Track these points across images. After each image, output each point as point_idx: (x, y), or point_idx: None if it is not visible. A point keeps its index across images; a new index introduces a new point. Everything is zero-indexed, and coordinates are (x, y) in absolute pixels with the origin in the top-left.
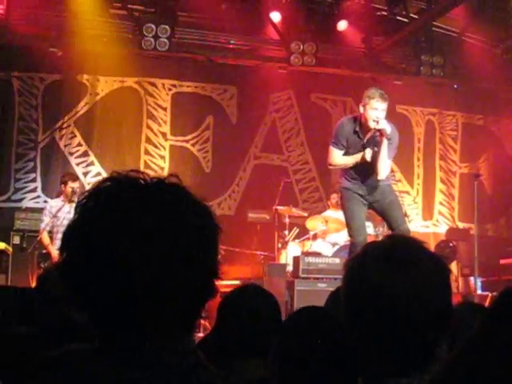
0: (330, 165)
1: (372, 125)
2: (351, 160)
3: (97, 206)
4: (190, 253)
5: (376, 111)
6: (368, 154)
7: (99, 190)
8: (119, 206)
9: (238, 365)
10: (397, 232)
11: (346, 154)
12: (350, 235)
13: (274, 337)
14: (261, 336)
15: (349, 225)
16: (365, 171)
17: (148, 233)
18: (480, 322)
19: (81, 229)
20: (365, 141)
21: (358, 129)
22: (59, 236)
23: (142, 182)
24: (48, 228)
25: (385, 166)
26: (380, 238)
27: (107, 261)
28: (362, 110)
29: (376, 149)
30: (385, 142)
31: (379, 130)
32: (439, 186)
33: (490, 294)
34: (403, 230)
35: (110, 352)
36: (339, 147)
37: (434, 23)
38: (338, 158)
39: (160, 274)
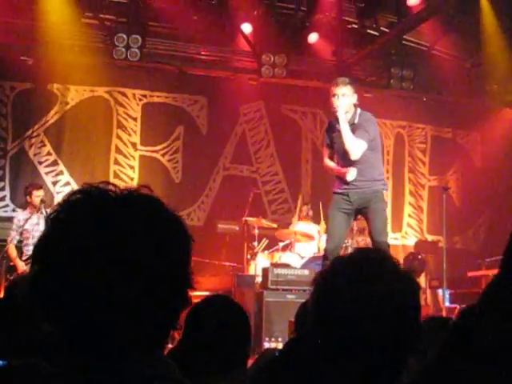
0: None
1: (334, 110)
2: (331, 170)
3: (68, 219)
4: (163, 263)
5: (334, 97)
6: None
7: (70, 202)
8: (90, 219)
9: (211, 379)
10: (374, 244)
11: (334, 151)
12: (326, 244)
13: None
14: (229, 348)
15: (327, 232)
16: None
17: (120, 245)
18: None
19: (52, 242)
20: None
21: (333, 120)
22: (29, 248)
23: (113, 194)
24: (15, 242)
25: (353, 145)
26: (349, 250)
27: (78, 274)
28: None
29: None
30: (344, 124)
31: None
32: (408, 198)
33: (458, 306)
34: (380, 243)
35: (79, 365)
36: (324, 145)
37: (404, 37)
38: (326, 158)
39: (134, 286)
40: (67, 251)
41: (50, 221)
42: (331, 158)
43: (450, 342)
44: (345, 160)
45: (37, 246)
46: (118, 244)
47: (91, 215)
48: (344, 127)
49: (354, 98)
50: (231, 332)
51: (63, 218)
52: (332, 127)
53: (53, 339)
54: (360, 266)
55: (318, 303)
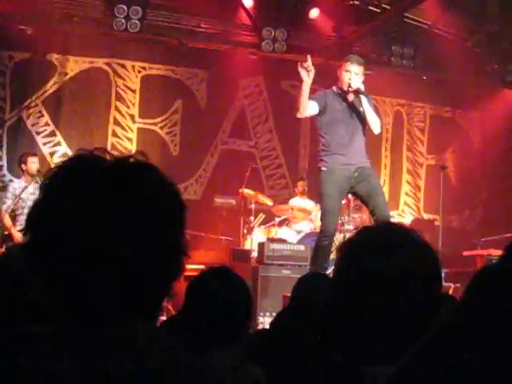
0: (296, 113)
1: (344, 87)
2: (303, 97)
3: (61, 186)
4: (157, 230)
5: (348, 73)
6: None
7: (64, 168)
8: (84, 185)
9: (209, 353)
10: (379, 218)
11: (332, 120)
12: (322, 223)
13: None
14: (231, 322)
15: (323, 213)
16: (355, 148)
17: (114, 212)
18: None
19: (45, 209)
20: (348, 104)
21: (337, 91)
22: (23, 218)
23: (108, 160)
24: (9, 210)
25: (375, 119)
26: (345, 227)
27: (72, 241)
28: (338, 72)
29: (361, 109)
30: (364, 99)
31: (355, 91)
32: (406, 176)
33: (453, 285)
34: (386, 217)
35: (75, 334)
36: (315, 99)
37: (406, 14)
38: (305, 104)
39: (127, 253)
40: (60, 218)
41: (44, 188)
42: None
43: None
44: (348, 133)
45: (29, 214)
46: (110, 211)
47: (84, 182)
48: (367, 104)
49: (361, 79)
50: (233, 306)
51: (56, 185)
52: (335, 97)
53: (42, 307)
54: (386, 239)
55: (343, 274)
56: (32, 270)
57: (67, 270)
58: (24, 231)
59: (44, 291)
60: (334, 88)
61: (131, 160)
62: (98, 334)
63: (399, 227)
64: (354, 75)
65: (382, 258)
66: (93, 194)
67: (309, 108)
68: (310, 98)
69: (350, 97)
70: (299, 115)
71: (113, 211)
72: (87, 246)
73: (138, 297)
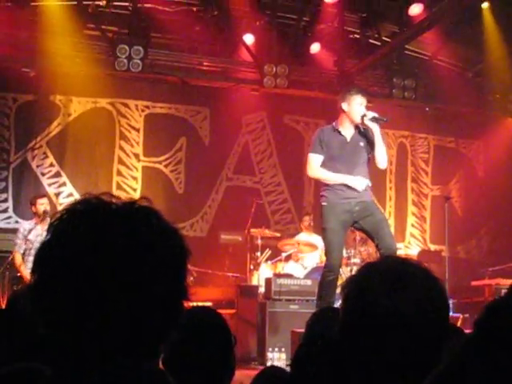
0: (310, 175)
1: (358, 119)
2: (330, 177)
3: (69, 228)
4: (160, 275)
5: (359, 105)
6: (359, 183)
7: (72, 211)
8: (91, 228)
9: None
10: (386, 251)
11: (329, 157)
12: (327, 258)
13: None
14: (211, 364)
15: (327, 248)
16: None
17: (119, 256)
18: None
19: (52, 250)
20: (348, 140)
21: (338, 128)
22: (31, 259)
23: (114, 205)
24: (21, 250)
25: (384, 153)
26: (352, 260)
27: (75, 284)
28: (345, 107)
29: (362, 144)
30: (377, 130)
31: (372, 118)
32: (411, 208)
33: (462, 316)
34: (393, 250)
35: (72, 373)
36: (318, 151)
37: (406, 46)
38: (317, 165)
39: (129, 297)
40: (65, 261)
41: (52, 229)
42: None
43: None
44: (348, 168)
45: (37, 254)
46: (115, 256)
47: (91, 226)
48: (379, 135)
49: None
50: (211, 348)
51: (63, 228)
52: (332, 134)
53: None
54: (396, 273)
55: (353, 312)
56: (36, 310)
57: (70, 311)
58: (31, 272)
59: (47, 332)
60: (333, 124)
61: (136, 205)
62: (100, 374)
63: (407, 261)
64: (364, 106)
65: (393, 293)
66: (98, 238)
67: (319, 163)
68: (315, 152)
69: (370, 125)
70: (309, 175)
71: (118, 256)
72: (91, 288)
73: (140, 339)
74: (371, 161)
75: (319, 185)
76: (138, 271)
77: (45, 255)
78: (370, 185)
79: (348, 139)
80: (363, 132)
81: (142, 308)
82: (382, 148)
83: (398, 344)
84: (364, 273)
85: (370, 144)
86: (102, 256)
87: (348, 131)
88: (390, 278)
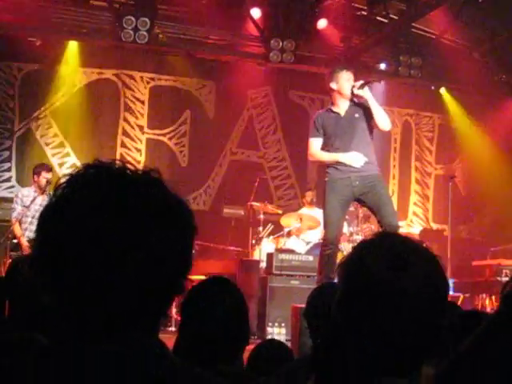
0: (310, 158)
1: (348, 92)
2: (326, 157)
3: (82, 192)
4: (168, 246)
5: (348, 80)
6: (355, 159)
7: (86, 175)
8: (105, 192)
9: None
10: (387, 228)
11: (327, 137)
12: (324, 232)
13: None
14: (228, 338)
15: (324, 222)
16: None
17: (125, 226)
18: (489, 319)
19: (59, 213)
20: (343, 114)
21: (332, 108)
22: (29, 228)
23: (130, 172)
24: (19, 217)
25: (383, 115)
26: (354, 237)
27: (79, 249)
28: (334, 86)
29: (357, 115)
30: (370, 96)
31: (362, 84)
32: (414, 186)
33: (462, 295)
34: (394, 227)
35: (74, 343)
36: (315, 134)
37: (414, 24)
38: (315, 149)
39: (136, 265)
40: (71, 225)
41: (60, 190)
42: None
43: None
44: (346, 142)
45: (41, 217)
46: (123, 225)
47: (106, 191)
48: (373, 100)
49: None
50: (229, 321)
51: (74, 190)
52: (327, 115)
53: (51, 314)
54: (396, 251)
55: (351, 293)
56: (37, 279)
57: (73, 279)
58: (32, 240)
59: (48, 301)
60: (330, 106)
61: (153, 175)
62: (103, 345)
63: (406, 239)
64: (352, 80)
65: (394, 271)
66: (107, 206)
67: (317, 146)
68: (313, 136)
69: (360, 93)
70: (310, 159)
71: (124, 227)
72: (96, 255)
73: (142, 311)
74: (374, 128)
75: (323, 162)
76: (146, 239)
77: (50, 218)
78: (373, 157)
79: (342, 114)
80: (358, 103)
81: (146, 277)
82: (379, 110)
83: (398, 322)
84: (362, 250)
85: (368, 112)
86: (113, 218)
87: (342, 107)
88: (390, 255)
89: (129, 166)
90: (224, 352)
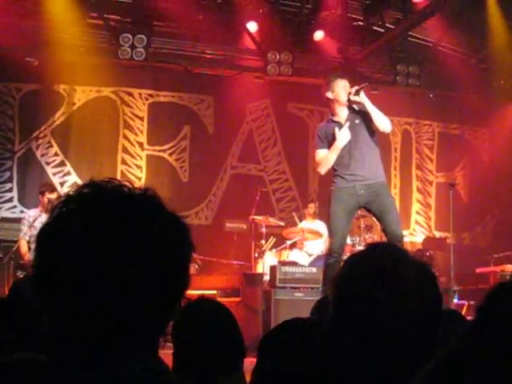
0: (320, 170)
1: (345, 100)
2: (331, 153)
3: (76, 211)
4: (166, 263)
5: (343, 87)
6: (343, 133)
7: (80, 194)
8: (101, 212)
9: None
10: (390, 237)
11: (330, 144)
12: (329, 242)
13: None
14: (220, 354)
15: (329, 231)
16: (357, 164)
17: (125, 246)
18: (471, 322)
19: (57, 232)
20: (344, 122)
21: (334, 118)
22: (32, 246)
23: (126, 190)
24: (27, 237)
25: (381, 117)
26: (357, 248)
27: (77, 267)
28: (330, 95)
29: (358, 121)
30: (366, 100)
31: (357, 90)
32: (416, 195)
33: (467, 303)
34: (397, 236)
35: (68, 363)
36: (320, 146)
37: (410, 33)
38: (320, 156)
39: (129, 287)
40: (71, 245)
41: (57, 211)
42: None
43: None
44: (350, 149)
45: (39, 236)
46: (118, 243)
47: (100, 209)
48: (370, 104)
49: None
50: (218, 338)
51: (70, 210)
52: (327, 126)
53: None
54: (383, 264)
55: (341, 306)
56: (36, 298)
57: (70, 298)
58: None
59: (47, 321)
60: (330, 117)
61: (149, 192)
62: (100, 366)
63: (397, 250)
64: (348, 87)
65: (386, 283)
66: (106, 224)
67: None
68: (318, 147)
69: (357, 100)
70: (321, 173)
71: (121, 240)
72: (91, 273)
73: (139, 329)
74: (376, 132)
75: (328, 173)
76: (143, 257)
77: (48, 237)
78: (378, 162)
79: (343, 122)
80: (357, 110)
81: (143, 295)
82: (377, 113)
83: (391, 334)
84: (355, 264)
85: (368, 117)
86: (108, 236)
87: (342, 116)
88: (377, 266)
89: (126, 183)
90: (221, 365)
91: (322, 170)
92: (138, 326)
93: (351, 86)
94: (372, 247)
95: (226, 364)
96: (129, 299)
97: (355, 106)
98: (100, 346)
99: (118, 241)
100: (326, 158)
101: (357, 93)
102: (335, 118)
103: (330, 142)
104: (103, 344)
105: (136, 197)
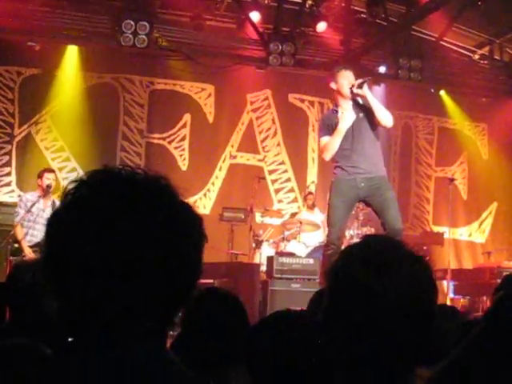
0: (325, 155)
1: (347, 91)
2: (335, 137)
3: (88, 196)
4: (180, 252)
5: (347, 78)
6: (347, 115)
7: (94, 180)
8: (113, 197)
9: (222, 373)
10: (389, 232)
11: (332, 133)
12: (327, 233)
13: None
14: (227, 343)
15: (327, 222)
16: (358, 157)
17: (133, 232)
18: (479, 326)
19: (69, 217)
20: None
21: (336, 108)
22: (30, 232)
23: (139, 177)
24: (22, 221)
25: (383, 111)
26: (354, 240)
27: (93, 254)
28: (334, 86)
29: (361, 115)
30: (369, 93)
31: (360, 84)
32: (414, 189)
33: (463, 298)
34: (397, 230)
35: (78, 348)
36: (324, 133)
37: (413, 27)
38: (325, 142)
39: (139, 276)
40: (84, 230)
41: (70, 196)
42: None
43: (492, 319)
44: (352, 141)
45: (49, 221)
46: (130, 231)
47: (112, 195)
48: (371, 97)
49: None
50: (227, 327)
51: (84, 195)
52: (332, 115)
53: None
54: (379, 254)
55: (337, 296)
56: (46, 281)
57: (77, 284)
58: (36, 250)
59: (55, 306)
60: (334, 107)
61: (163, 181)
62: (106, 353)
63: (393, 242)
64: (351, 79)
65: (382, 275)
66: (121, 210)
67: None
68: (322, 135)
69: (360, 93)
70: (326, 158)
71: (133, 228)
72: (100, 260)
73: (147, 318)
74: (378, 127)
75: (325, 164)
76: (154, 246)
77: (60, 221)
78: (379, 156)
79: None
80: (360, 104)
81: (153, 284)
82: (379, 106)
83: (387, 324)
84: (350, 255)
85: (370, 111)
86: (119, 223)
87: (345, 107)
88: (370, 257)
89: (139, 171)
90: (221, 356)
91: (328, 156)
92: (143, 313)
93: (356, 79)
94: (367, 239)
95: (226, 355)
96: (134, 285)
97: (359, 99)
98: (105, 332)
99: (126, 226)
100: (330, 142)
101: (360, 86)
102: (338, 109)
103: (333, 130)
104: (108, 330)
105: (149, 184)
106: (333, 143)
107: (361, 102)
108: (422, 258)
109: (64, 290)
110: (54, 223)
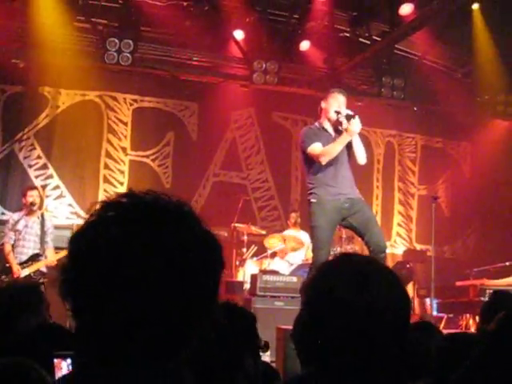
0: (323, 159)
1: (333, 114)
2: (338, 143)
3: (114, 219)
4: (202, 279)
5: (336, 102)
6: (356, 123)
7: (119, 203)
8: (137, 223)
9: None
10: (374, 249)
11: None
12: (314, 255)
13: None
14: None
15: (314, 245)
16: (343, 178)
17: (167, 258)
18: (483, 343)
19: (95, 238)
20: (333, 136)
21: (324, 126)
22: (19, 250)
23: (163, 203)
24: (11, 241)
25: (363, 152)
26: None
27: (115, 275)
28: (323, 105)
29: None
30: (355, 129)
31: (347, 116)
32: (397, 207)
33: (446, 316)
34: (381, 247)
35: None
36: (314, 140)
37: (396, 46)
38: (320, 147)
39: (169, 298)
40: (107, 252)
41: (96, 215)
42: None
43: (496, 337)
44: (336, 163)
45: (71, 239)
46: (164, 256)
47: (136, 219)
48: (357, 135)
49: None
50: (235, 338)
51: (110, 217)
52: (319, 131)
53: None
54: (358, 271)
55: (315, 310)
56: (64, 294)
57: (100, 303)
58: (25, 267)
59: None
60: (317, 124)
61: (187, 208)
62: (122, 373)
63: (370, 260)
64: (342, 104)
65: (353, 290)
66: (138, 234)
67: (321, 146)
68: (313, 142)
69: (343, 122)
70: (324, 162)
71: (155, 255)
72: (124, 276)
73: (167, 340)
74: (352, 158)
75: (306, 182)
76: (176, 273)
77: (82, 241)
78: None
79: (333, 136)
80: (340, 131)
81: (171, 312)
82: (359, 144)
83: (365, 340)
84: (326, 272)
85: (349, 142)
86: (145, 249)
87: (329, 130)
88: (351, 275)
89: (163, 196)
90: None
91: (325, 160)
92: (162, 336)
93: (348, 109)
94: (340, 257)
95: (227, 361)
96: (155, 315)
97: (340, 128)
98: (121, 352)
99: (152, 255)
100: (331, 147)
101: (347, 118)
102: (325, 126)
103: (321, 141)
104: (125, 351)
105: (174, 211)
106: (334, 148)
107: (342, 129)
108: (392, 271)
109: (84, 308)
110: (79, 242)
